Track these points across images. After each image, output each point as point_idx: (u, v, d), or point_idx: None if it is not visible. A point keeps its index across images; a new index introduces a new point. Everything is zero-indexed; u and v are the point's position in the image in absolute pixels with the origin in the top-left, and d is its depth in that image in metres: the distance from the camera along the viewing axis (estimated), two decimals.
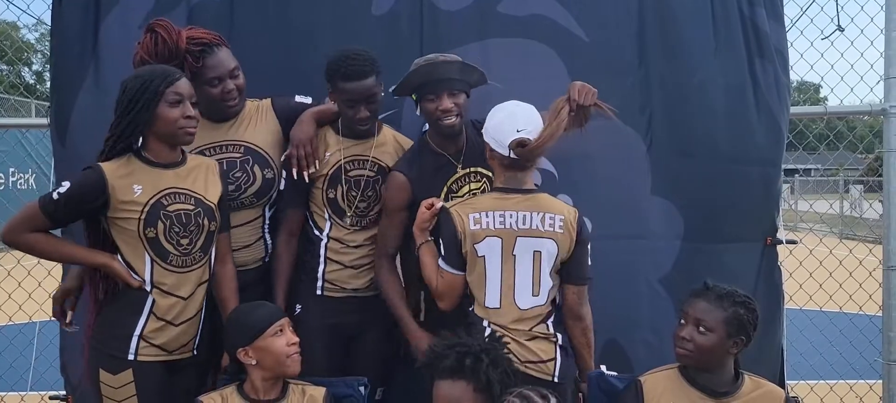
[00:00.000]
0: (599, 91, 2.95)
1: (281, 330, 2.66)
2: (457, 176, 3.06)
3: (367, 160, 3.11)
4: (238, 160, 3.06)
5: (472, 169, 3.08)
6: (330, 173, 3.09)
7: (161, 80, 2.63)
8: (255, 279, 3.12)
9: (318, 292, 3.12)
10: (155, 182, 2.68)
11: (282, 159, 3.09)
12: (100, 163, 2.65)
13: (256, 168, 3.07)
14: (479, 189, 3.06)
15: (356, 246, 3.12)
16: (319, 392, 2.73)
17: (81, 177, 2.66)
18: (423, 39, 3.46)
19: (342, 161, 3.09)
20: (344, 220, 3.11)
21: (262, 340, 2.63)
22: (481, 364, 2.44)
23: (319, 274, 3.12)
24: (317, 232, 3.13)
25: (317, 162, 3.06)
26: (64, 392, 3.62)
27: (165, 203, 2.68)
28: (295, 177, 3.05)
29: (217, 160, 2.98)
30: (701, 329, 2.49)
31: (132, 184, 2.65)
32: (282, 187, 3.14)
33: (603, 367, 2.86)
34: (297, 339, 2.68)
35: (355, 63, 2.95)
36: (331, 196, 3.09)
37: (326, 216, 3.12)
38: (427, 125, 3.09)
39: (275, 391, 2.69)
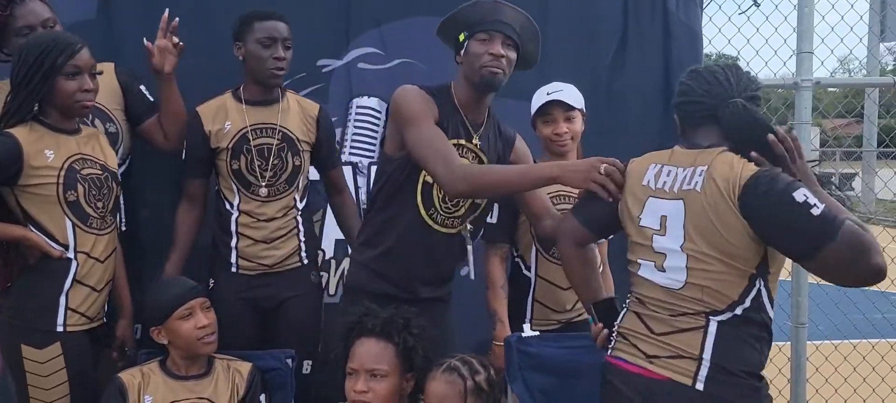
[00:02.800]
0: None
1: (190, 313, 2.60)
2: (469, 144, 2.72)
3: (274, 128, 3.01)
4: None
5: (478, 148, 2.75)
6: (232, 144, 2.98)
7: (59, 52, 2.55)
8: None
9: (233, 269, 3.02)
10: (63, 147, 2.63)
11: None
12: (10, 131, 2.57)
13: (97, 123, 2.99)
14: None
15: (268, 220, 3.01)
16: (245, 367, 2.71)
17: None
18: (350, 11, 3.44)
19: (247, 128, 2.98)
20: (253, 192, 3.00)
21: (171, 321, 2.59)
22: (410, 332, 2.48)
23: (233, 249, 3.01)
24: (227, 207, 3.03)
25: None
26: None
27: (78, 167, 2.63)
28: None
29: None
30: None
31: (43, 149, 2.58)
32: (183, 157, 3.06)
33: (526, 326, 2.86)
34: (207, 321, 2.63)
35: (268, 9, 2.95)
36: (235, 167, 2.99)
37: (234, 188, 3.01)
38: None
39: (198, 366, 2.66)
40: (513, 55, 2.65)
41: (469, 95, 2.71)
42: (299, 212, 3.08)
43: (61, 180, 2.60)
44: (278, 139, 3.01)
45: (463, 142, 2.71)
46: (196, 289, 2.70)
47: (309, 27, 3.09)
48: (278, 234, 3.03)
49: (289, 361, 2.80)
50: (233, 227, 3.02)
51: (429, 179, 2.65)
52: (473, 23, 2.62)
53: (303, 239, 3.08)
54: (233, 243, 3.02)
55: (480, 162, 2.75)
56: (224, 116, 3.01)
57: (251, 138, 2.99)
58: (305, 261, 3.10)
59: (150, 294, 2.73)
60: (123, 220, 3.07)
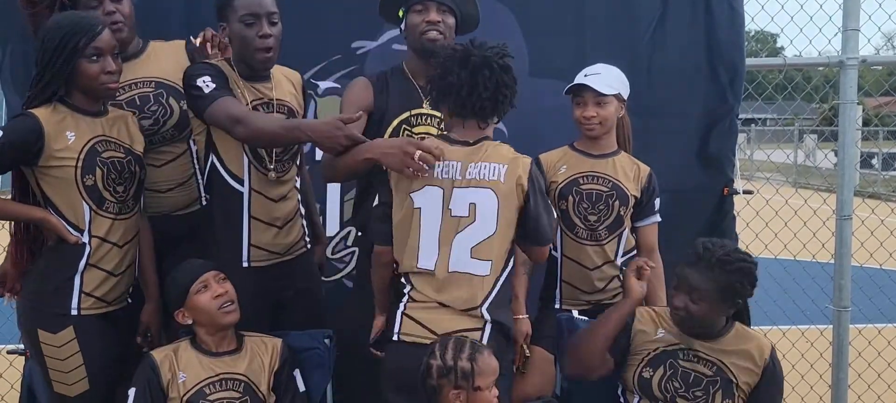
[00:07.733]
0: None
1: (205, 286, 2.62)
2: (422, 111, 2.88)
3: (271, 102, 2.79)
4: (151, 94, 2.95)
5: (436, 112, 2.83)
6: None
7: (81, 35, 2.55)
8: (191, 229, 2.99)
9: (245, 263, 2.79)
10: (86, 129, 2.62)
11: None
12: (32, 111, 2.58)
13: (172, 100, 2.96)
14: (434, 135, 2.77)
15: (280, 199, 2.81)
16: (275, 342, 2.73)
17: (16, 123, 2.59)
18: None
19: (248, 105, 2.72)
20: (264, 167, 2.76)
21: (190, 299, 2.61)
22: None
23: (244, 240, 2.78)
24: (236, 185, 2.76)
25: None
26: (22, 346, 3.57)
27: (100, 150, 2.63)
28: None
29: (129, 97, 2.91)
30: (693, 298, 2.54)
31: (64, 130, 2.58)
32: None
33: (574, 311, 2.99)
34: (222, 290, 2.62)
35: None
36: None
37: (245, 163, 2.75)
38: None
39: (227, 342, 2.67)
40: (450, 20, 2.84)
41: (418, 64, 2.91)
42: (298, 191, 2.94)
43: (80, 163, 2.58)
44: (283, 113, 2.81)
45: (412, 112, 2.89)
46: (207, 264, 2.68)
47: (343, 9, 3.08)
48: (293, 216, 2.88)
49: (326, 341, 2.79)
50: (245, 212, 2.78)
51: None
52: None
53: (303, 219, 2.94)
54: (245, 232, 2.80)
55: (437, 124, 2.87)
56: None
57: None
58: (309, 245, 2.99)
59: (166, 282, 2.71)
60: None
